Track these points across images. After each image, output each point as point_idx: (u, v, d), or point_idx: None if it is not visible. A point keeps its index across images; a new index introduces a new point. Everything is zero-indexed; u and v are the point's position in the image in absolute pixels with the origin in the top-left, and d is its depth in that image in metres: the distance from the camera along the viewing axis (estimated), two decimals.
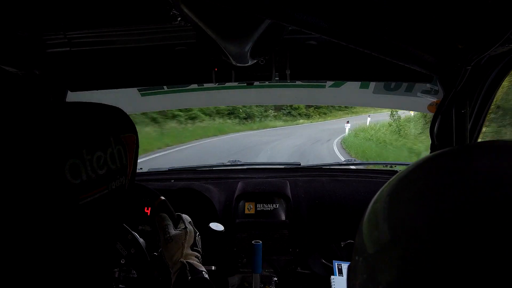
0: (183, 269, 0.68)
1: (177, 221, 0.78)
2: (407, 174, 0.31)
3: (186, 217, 0.80)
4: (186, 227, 0.76)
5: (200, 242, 0.78)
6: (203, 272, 0.69)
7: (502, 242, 0.20)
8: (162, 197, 0.79)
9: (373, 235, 0.29)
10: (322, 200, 1.17)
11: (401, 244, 0.25)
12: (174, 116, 11.98)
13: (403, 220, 0.27)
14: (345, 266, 0.98)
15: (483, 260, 0.20)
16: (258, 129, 16.40)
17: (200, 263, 0.73)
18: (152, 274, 0.85)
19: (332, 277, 0.94)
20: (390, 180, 0.31)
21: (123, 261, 0.84)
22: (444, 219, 0.24)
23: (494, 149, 0.28)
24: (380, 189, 0.31)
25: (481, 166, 0.26)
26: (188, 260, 0.70)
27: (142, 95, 1.35)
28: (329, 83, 1.32)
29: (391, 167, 1.44)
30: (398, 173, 0.32)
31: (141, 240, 0.89)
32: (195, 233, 0.77)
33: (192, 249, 0.73)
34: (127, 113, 0.41)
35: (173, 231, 0.74)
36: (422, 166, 0.30)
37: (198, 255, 0.74)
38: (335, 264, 0.98)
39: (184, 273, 0.67)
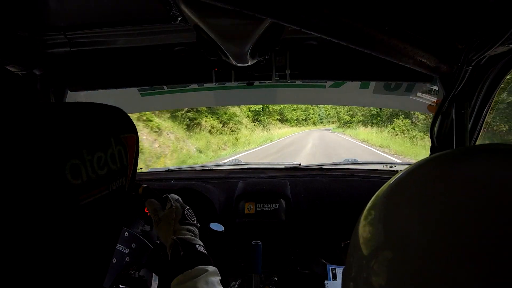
0: (176, 246, 0.69)
1: (165, 202, 0.79)
2: (404, 177, 0.30)
3: (172, 196, 0.81)
4: (172, 205, 0.77)
5: (192, 215, 0.79)
6: (196, 246, 0.70)
7: (503, 248, 0.20)
8: (144, 185, 0.81)
9: (368, 236, 0.29)
10: (322, 200, 1.17)
11: (394, 247, 0.25)
12: None
13: (397, 223, 0.27)
14: (339, 270, 0.98)
15: (480, 266, 0.20)
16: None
17: (195, 235, 0.74)
18: (160, 257, 0.85)
19: (326, 282, 0.94)
20: (387, 182, 0.31)
21: (128, 258, 0.84)
22: (440, 224, 0.23)
23: (493, 153, 0.28)
24: (378, 191, 0.31)
25: (480, 171, 0.26)
26: (180, 236, 0.71)
27: (142, 95, 1.35)
28: (329, 83, 1.32)
29: (391, 167, 1.44)
30: (395, 175, 0.31)
31: (147, 227, 0.89)
32: (183, 208, 0.78)
33: (182, 224, 0.74)
34: (127, 113, 0.41)
35: (162, 212, 0.76)
36: (419, 170, 0.30)
37: (191, 227, 0.75)
38: (329, 268, 0.98)
39: (176, 249, 0.68)
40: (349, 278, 0.30)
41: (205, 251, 0.70)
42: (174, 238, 0.70)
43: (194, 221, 0.77)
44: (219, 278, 0.66)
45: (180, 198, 0.81)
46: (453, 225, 0.23)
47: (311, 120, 35.94)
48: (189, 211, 0.79)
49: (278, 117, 24.93)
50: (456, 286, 0.21)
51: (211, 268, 0.65)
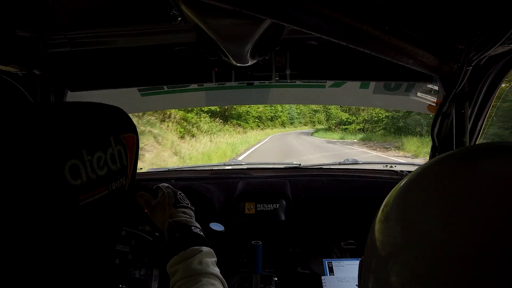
0: (172, 228, 0.70)
1: (156, 192, 0.80)
2: (417, 176, 0.30)
3: (163, 184, 0.82)
4: (164, 192, 0.78)
5: (185, 199, 0.80)
6: (192, 227, 0.70)
7: None
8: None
9: (385, 237, 0.29)
10: (322, 200, 1.17)
11: (414, 247, 0.25)
12: None
13: (416, 223, 0.26)
14: (335, 263, 0.97)
15: (502, 264, 0.20)
16: None
17: (191, 217, 0.74)
18: (161, 248, 0.86)
19: (322, 277, 0.94)
20: (400, 182, 0.31)
21: (130, 256, 0.84)
22: (458, 222, 0.23)
23: (502, 151, 0.28)
24: (391, 191, 0.31)
25: (494, 168, 0.25)
26: (176, 219, 0.71)
27: (142, 95, 1.35)
28: (329, 83, 1.31)
29: (391, 167, 1.44)
30: (408, 175, 0.31)
31: (147, 227, 0.90)
32: (175, 192, 0.79)
33: (176, 207, 0.75)
34: (127, 113, 0.41)
35: (154, 201, 0.77)
36: (431, 169, 0.30)
37: (185, 210, 0.75)
38: (325, 262, 0.97)
39: (172, 232, 0.69)
40: (367, 278, 0.30)
41: (201, 233, 0.70)
42: (170, 221, 0.71)
43: (188, 204, 0.78)
44: (214, 259, 0.65)
45: (170, 186, 0.82)
46: (479, 223, 0.22)
47: (279, 120, 29.01)
48: (181, 195, 0.79)
49: (228, 112, 16.96)
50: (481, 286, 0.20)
51: (205, 248, 0.65)
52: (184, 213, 0.74)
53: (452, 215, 0.24)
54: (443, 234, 0.23)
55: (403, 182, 0.31)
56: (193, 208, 0.79)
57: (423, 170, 0.30)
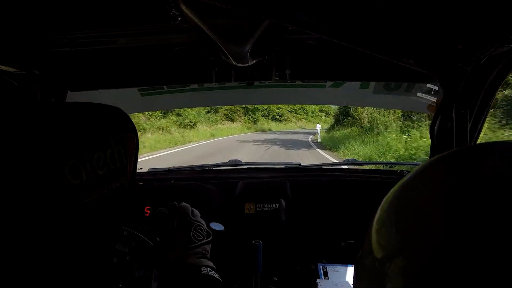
0: (180, 270, 0.68)
1: (173, 209, 0.76)
2: (416, 176, 0.29)
3: (181, 206, 0.76)
4: (176, 226, 0.74)
5: (201, 232, 0.74)
6: (202, 268, 0.68)
7: None
8: (140, 183, 0.81)
9: (381, 239, 0.28)
10: (322, 200, 1.17)
11: (410, 250, 0.24)
12: None
13: (412, 224, 0.25)
14: (330, 268, 0.97)
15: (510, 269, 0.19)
16: None
17: (202, 255, 0.71)
18: (160, 253, 0.86)
19: (318, 280, 0.94)
20: (399, 181, 0.30)
21: (128, 257, 0.84)
22: (459, 223, 0.22)
23: (504, 150, 0.27)
24: (390, 191, 0.30)
25: (497, 168, 0.25)
26: (184, 261, 0.69)
27: (142, 95, 1.35)
28: (329, 83, 1.32)
29: (391, 167, 1.44)
30: (407, 175, 0.30)
31: (147, 227, 0.91)
32: (190, 227, 0.73)
33: (188, 248, 0.71)
34: (127, 113, 0.41)
35: (164, 232, 0.74)
36: (432, 168, 0.29)
37: (198, 249, 0.72)
38: (320, 267, 0.98)
39: (181, 273, 0.68)
40: (362, 281, 0.30)
41: (211, 272, 0.68)
42: (177, 264, 0.69)
43: (202, 238, 0.74)
44: None
45: (189, 210, 0.77)
46: (481, 225, 0.21)
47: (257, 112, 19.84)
48: (197, 229, 0.74)
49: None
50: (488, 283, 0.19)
51: None
52: (195, 253, 0.71)
53: (452, 216, 0.23)
54: (443, 236, 0.23)
55: (402, 181, 0.30)
56: (210, 239, 0.75)
57: (423, 169, 0.30)
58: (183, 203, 0.78)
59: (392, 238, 0.27)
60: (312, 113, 30.04)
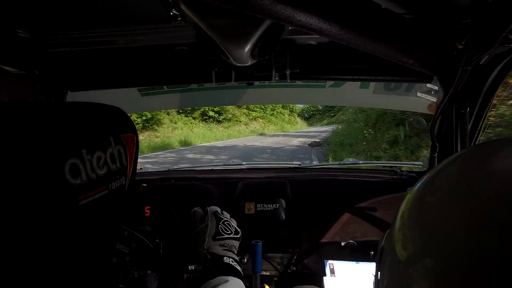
0: (205, 258, 0.76)
1: (206, 214, 0.86)
2: (433, 178, 0.29)
3: (211, 208, 0.88)
4: (207, 221, 0.84)
5: (228, 227, 0.84)
6: (224, 258, 0.76)
7: None
8: (144, 184, 0.85)
9: (404, 242, 0.27)
10: (322, 200, 1.17)
11: (434, 252, 0.23)
12: None
13: (435, 227, 0.25)
14: (337, 265, 0.97)
15: None
16: None
17: (228, 249, 0.80)
18: (159, 255, 0.88)
19: (324, 278, 0.94)
20: (416, 184, 0.29)
21: (128, 258, 0.84)
22: (483, 223, 0.21)
23: None
24: (407, 195, 0.29)
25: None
26: (211, 251, 0.77)
27: (142, 95, 1.35)
28: (329, 83, 1.31)
29: (390, 167, 1.44)
30: (423, 177, 0.30)
31: (147, 227, 0.93)
32: (218, 222, 0.83)
33: (215, 239, 0.80)
34: (127, 113, 0.41)
35: (200, 225, 0.84)
36: (446, 169, 0.29)
37: (225, 241, 0.81)
38: (327, 263, 0.97)
39: (205, 261, 0.76)
40: (383, 283, 0.29)
41: (233, 263, 0.75)
42: (204, 252, 0.77)
43: (230, 233, 0.83)
44: None
45: (218, 210, 0.87)
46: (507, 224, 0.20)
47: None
48: (224, 224, 0.84)
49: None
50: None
51: (232, 278, 0.69)
52: (221, 245, 0.79)
53: (474, 216, 0.22)
54: (466, 237, 0.22)
55: (418, 185, 0.29)
56: (238, 236, 0.85)
57: (438, 171, 0.29)
58: (213, 206, 0.90)
59: (416, 240, 0.26)
60: (272, 110, 20.68)
